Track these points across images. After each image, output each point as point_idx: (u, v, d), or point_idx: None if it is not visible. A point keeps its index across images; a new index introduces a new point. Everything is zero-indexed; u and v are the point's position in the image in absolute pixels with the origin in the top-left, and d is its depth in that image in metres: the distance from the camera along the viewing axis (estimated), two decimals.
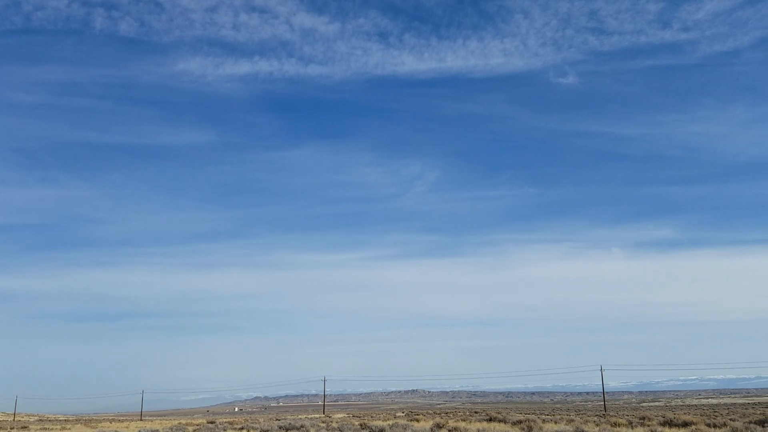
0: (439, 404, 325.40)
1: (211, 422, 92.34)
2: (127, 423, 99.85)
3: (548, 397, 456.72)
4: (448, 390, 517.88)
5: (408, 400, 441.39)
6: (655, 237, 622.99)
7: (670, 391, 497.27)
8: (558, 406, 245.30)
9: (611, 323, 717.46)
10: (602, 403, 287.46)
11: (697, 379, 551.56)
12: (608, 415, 77.27)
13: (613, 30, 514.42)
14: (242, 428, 47.76)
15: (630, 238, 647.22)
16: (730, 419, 43.62)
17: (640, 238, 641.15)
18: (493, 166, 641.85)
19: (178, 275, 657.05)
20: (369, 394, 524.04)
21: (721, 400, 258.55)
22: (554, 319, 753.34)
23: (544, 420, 41.03)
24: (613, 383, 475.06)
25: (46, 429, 78.49)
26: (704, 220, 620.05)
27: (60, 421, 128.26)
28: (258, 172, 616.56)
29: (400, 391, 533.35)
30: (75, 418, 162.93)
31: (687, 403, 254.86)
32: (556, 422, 39.93)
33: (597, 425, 36.70)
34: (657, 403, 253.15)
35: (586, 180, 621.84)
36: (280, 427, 38.55)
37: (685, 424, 33.13)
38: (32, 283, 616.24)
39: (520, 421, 37.23)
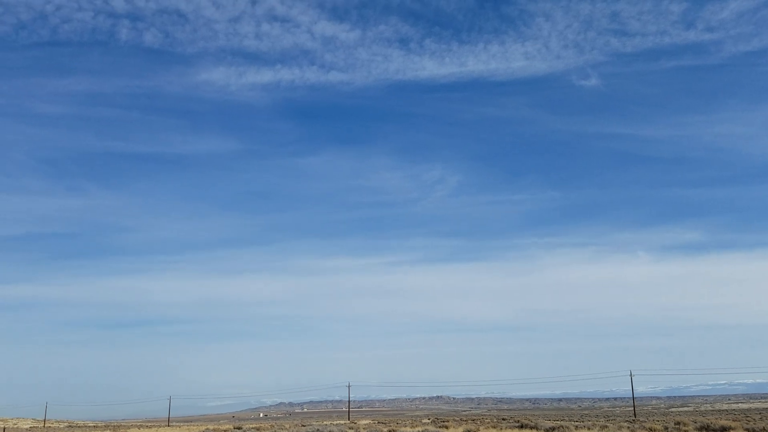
0: (464, 411, 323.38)
1: (238, 428, 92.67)
2: (156, 429, 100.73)
3: (576, 403, 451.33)
4: (473, 396, 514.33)
5: (433, 407, 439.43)
6: (682, 240, 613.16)
7: (699, 396, 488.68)
8: (586, 412, 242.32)
9: (638, 328, 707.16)
10: (630, 408, 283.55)
11: (726, 383, 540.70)
12: (639, 420, 76.09)
13: (636, 31, 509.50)
14: None
15: (656, 241, 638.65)
16: None
17: (665, 242, 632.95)
18: (516, 170, 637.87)
19: (202, 282, 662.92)
20: (393, 400, 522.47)
21: (752, 405, 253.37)
22: (580, 324, 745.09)
23: (576, 426, 40.37)
24: (641, 389, 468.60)
25: None
26: (731, 222, 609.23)
27: (89, 427, 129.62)
28: (280, 179, 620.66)
29: (424, 398, 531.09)
30: (104, 424, 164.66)
31: (717, 408, 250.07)
32: (588, 428, 39.28)
33: (631, 431, 36.01)
34: (686, 409, 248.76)
35: (610, 183, 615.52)
36: None
37: (724, 429, 32.35)
38: (60, 290, 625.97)
39: (553, 428, 36.66)
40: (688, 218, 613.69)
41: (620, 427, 41.33)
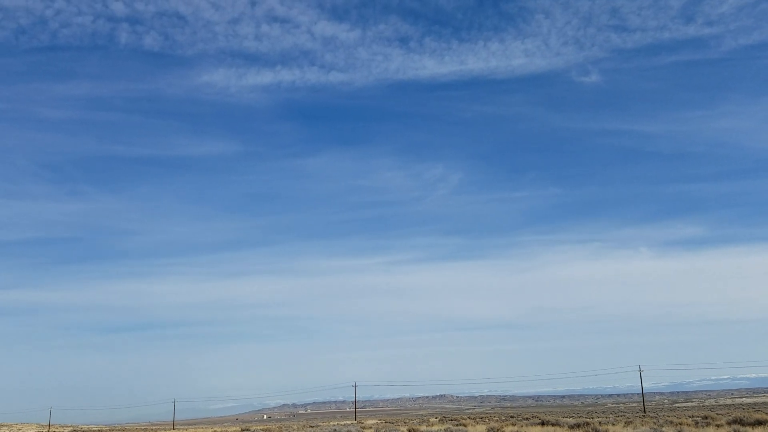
0: (468, 409, 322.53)
1: (246, 430, 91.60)
2: None
3: (579, 400, 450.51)
4: (476, 395, 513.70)
5: (436, 406, 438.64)
6: (683, 235, 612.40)
7: (702, 391, 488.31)
8: (590, 408, 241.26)
9: (640, 324, 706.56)
10: (636, 404, 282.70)
11: (729, 378, 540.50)
12: (648, 416, 75.22)
13: (636, 27, 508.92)
14: None
15: (657, 237, 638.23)
16: None
17: (667, 237, 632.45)
18: (517, 168, 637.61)
19: (205, 284, 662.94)
20: (396, 399, 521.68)
21: (756, 399, 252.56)
22: (582, 320, 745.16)
23: (600, 422, 39.45)
24: (644, 384, 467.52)
25: None
26: (732, 217, 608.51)
27: (94, 431, 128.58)
28: (282, 180, 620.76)
29: (427, 396, 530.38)
30: (108, 428, 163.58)
31: (721, 402, 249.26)
32: (612, 424, 38.39)
33: (658, 425, 34.99)
34: (690, 404, 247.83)
35: (611, 179, 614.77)
36: None
37: (759, 423, 31.43)
38: (63, 295, 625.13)
39: (577, 425, 35.73)
40: (690, 213, 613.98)
41: (644, 422, 40.39)
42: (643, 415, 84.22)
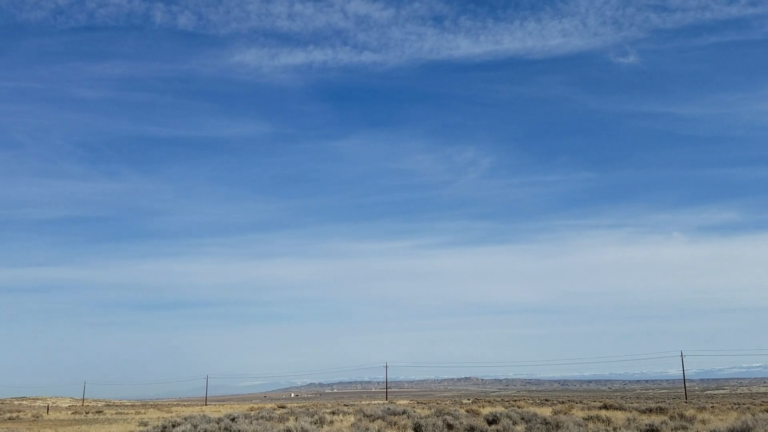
0: (493, 392, 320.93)
1: (282, 406, 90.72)
2: (200, 407, 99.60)
3: (605, 385, 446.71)
4: (501, 378, 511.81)
5: (461, 388, 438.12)
6: (718, 220, 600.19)
7: (733, 378, 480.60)
8: (617, 394, 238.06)
9: (672, 310, 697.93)
10: (665, 390, 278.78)
11: (761, 366, 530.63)
12: (690, 403, 72.62)
13: (676, 6, 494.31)
14: (333, 412, 45.47)
15: (692, 222, 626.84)
16: None
17: (702, 222, 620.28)
18: (550, 151, 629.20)
19: (235, 265, 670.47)
20: (422, 381, 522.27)
21: None
22: (612, 306, 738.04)
23: (673, 409, 37.17)
24: (672, 371, 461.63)
25: (120, 413, 78.01)
26: None
27: (126, 406, 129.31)
28: (311, 162, 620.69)
29: (452, 379, 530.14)
30: (140, 403, 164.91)
31: (754, 390, 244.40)
32: (683, 410, 36.12)
33: (741, 413, 32.80)
34: (722, 391, 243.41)
35: (646, 163, 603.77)
36: (386, 411, 35.82)
37: None
38: (97, 273, 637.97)
39: (649, 410, 33.56)
40: (726, 198, 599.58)
41: (721, 410, 38.05)
42: (686, 402, 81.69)
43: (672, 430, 22.60)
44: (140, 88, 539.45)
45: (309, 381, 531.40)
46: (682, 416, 28.08)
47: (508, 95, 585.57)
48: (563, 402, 78.07)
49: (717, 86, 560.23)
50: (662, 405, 36.68)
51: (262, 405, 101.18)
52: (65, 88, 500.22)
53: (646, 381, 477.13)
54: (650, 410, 33.66)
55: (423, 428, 22.15)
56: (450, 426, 24.37)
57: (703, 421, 26.32)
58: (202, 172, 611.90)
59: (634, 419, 26.83)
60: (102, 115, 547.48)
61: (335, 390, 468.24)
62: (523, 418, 29.95)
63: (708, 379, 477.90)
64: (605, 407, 39.95)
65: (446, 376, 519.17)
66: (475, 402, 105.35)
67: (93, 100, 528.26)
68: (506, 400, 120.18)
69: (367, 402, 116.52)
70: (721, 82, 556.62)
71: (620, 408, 38.58)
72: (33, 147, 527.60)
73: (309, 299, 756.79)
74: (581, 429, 21.45)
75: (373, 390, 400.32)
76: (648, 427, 22.71)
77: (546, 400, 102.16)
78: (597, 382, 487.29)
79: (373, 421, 32.60)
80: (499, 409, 42.13)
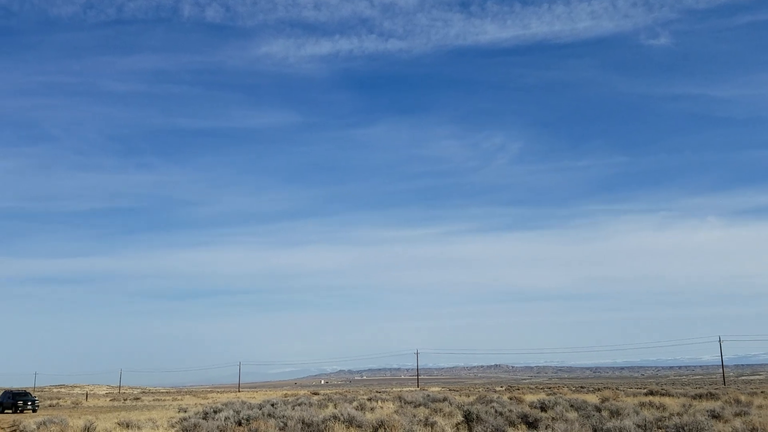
0: (525, 379, 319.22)
1: (315, 393, 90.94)
2: (234, 394, 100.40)
3: (638, 372, 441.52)
4: (532, 365, 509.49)
5: (492, 375, 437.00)
6: (754, 204, 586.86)
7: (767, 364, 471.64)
8: (652, 381, 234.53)
9: (707, 295, 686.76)
10: (699, 377, 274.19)
11: None
12: (729, 389, 70.88)
13: None
14: (369, 399, 45.20)
15: (727, 206, 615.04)
16: None
17: (737, 206, 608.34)
18: (580, 135, 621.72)
19: (265, 253, 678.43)
20: (451, 368, 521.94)
21: None
22: (645, 291, 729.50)
23: (729, 394, 36.01)
24: (706, 357, 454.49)
25: (158, 400, 78.86)
26: None
27: (162, 393, 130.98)
28: (339, 150, 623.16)
29: (482, 366, 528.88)
30: (176, 390, 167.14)
31: None
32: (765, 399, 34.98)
33: None
34: (758, 377, 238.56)
35: (679, 146, 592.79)
36: (426, 397, 35.32)
37: None
38: (131, 263, 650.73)
39: (700, 395, 32.51)
40: (762, 181, 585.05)
41: None
42: (725, 387, 79.91)
43: (734, 415, 21.72)
44: (170, 80, 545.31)
45: (338, 368, 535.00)
46: (737, 401, 27.07)
47: (537, 80, 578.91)
48: (600, 389, 76.81)
49: (752, 67, 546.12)
50: (711, 390, 35.53)
51: (295, 392, 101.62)
52: (97, 81, 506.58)
53: (679, 367, 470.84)
54: (701, 396, 32.58)
55: (473, 415, 21.47)
56: (499, 414, 23.68)
57: (760, 407, 25.27)
58: (232, 162, 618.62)
59: (690, 405, 25.88)
60: (133, 108, 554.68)
61: (364, 377, 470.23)
62: (572, 405, 29.12)
63: (743, 365, 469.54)
64: (651, 393, 38.88)
65: (476, 364, 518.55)
66: (509, 389, 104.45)
67: (124, 93, 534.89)
68: (541, 387, 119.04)
69: (399, 389, 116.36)
70: (757, 62, 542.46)
71: (667, 394, 37.50)
72: (67, 140, 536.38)
73: (338, 286, 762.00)
74: (638, 417, 20.62)
75: (403, 377, 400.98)
76: (710, 413, 21.82)
77: (581, 387, 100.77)
78: (630, 369, 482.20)
79: (416, 407, 32.06)
80: (541, 396, 41.31)
